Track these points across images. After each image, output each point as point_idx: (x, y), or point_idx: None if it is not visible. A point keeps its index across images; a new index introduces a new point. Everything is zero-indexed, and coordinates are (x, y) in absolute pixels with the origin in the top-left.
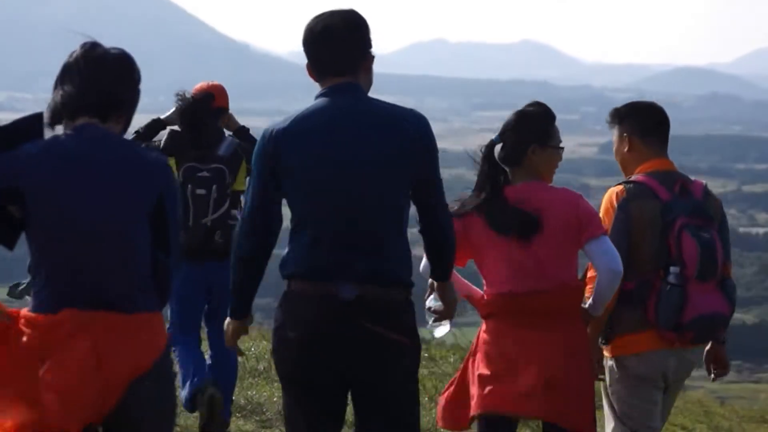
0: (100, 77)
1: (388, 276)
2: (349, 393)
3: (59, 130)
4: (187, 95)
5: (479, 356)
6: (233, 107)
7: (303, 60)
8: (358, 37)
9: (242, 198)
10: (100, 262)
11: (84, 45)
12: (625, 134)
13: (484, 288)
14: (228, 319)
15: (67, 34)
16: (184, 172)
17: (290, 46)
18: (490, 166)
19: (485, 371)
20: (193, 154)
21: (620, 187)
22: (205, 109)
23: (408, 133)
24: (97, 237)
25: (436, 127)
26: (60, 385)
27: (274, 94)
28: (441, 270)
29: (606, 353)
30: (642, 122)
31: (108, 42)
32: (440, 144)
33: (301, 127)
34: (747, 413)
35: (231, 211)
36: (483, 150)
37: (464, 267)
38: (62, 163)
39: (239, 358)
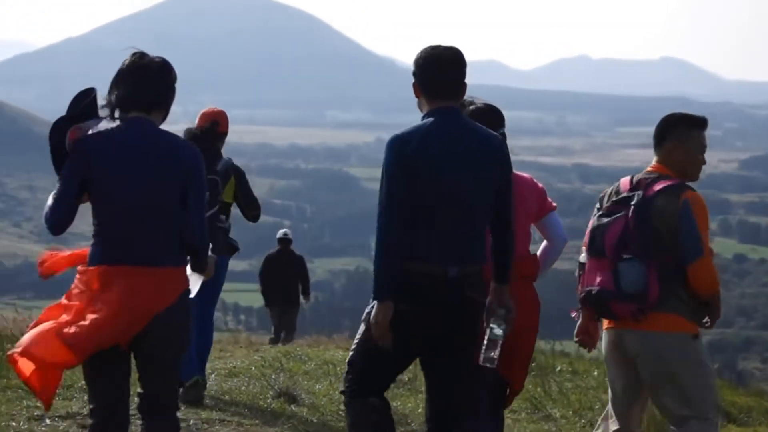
0: (146, 80)
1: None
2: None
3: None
4: (203, 128)
5: None
6: (379, 121)
7: None
8: (465, 70)
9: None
10: (142, 229)
11: (134, 54)
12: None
13: None
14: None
15: (216, 50)
16: None
17: None
18: None
19: None
20: None
21: (694, 193)
22: (211, 134)
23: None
24: (143, 209)
25: (578, 143)
26: (98, 316)
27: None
28: (499, 273)
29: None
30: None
31: (255, 56)
32: (582, 159)
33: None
34: None
35: (219, 215)
36: None
37: None
38: (118, 152)
39: None
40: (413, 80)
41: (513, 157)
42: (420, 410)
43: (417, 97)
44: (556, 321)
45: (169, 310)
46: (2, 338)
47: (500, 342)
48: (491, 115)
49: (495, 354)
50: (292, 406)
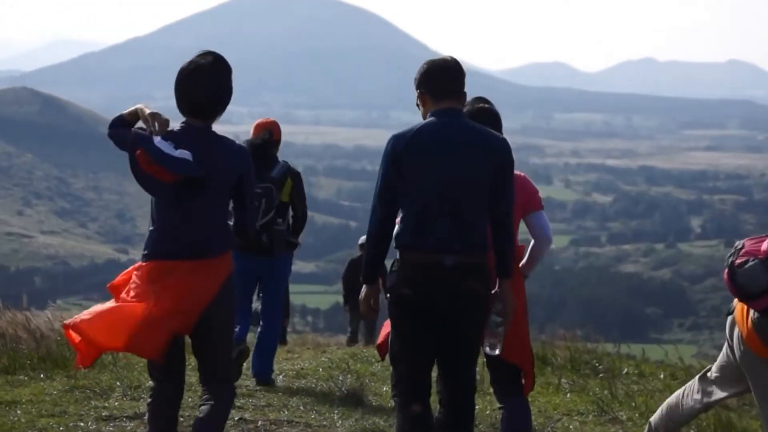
0: (197, 88)
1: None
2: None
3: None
4: (262, 137)
5: None
6: None
7: (514, 78)
8: (463, 77)
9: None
10: (195, 224)
11: (185, 66)
12: None
13: None
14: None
15: (281, 49)
16: None
17: (500, 64)
18: None
19: None
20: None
21: None
22: (266, 143)
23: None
24: (194, 207)
25: (644, 145)
26: (157, 308)
27: None
28: (497, 267)
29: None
30: None
31: (320, 56)
32: (649, 162)
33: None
34: None
35: (277, 219)
36: None
37: None
38: (184, 165)
39: None
40: (417, 92)
41: (579, 160)
42: (488, 412)
43: (422, 106)
44: (621, 324)
45: (220, 296)
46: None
47: (498, 332)
48: (485, 116)
49: (496, 341)
50: (359, 407)
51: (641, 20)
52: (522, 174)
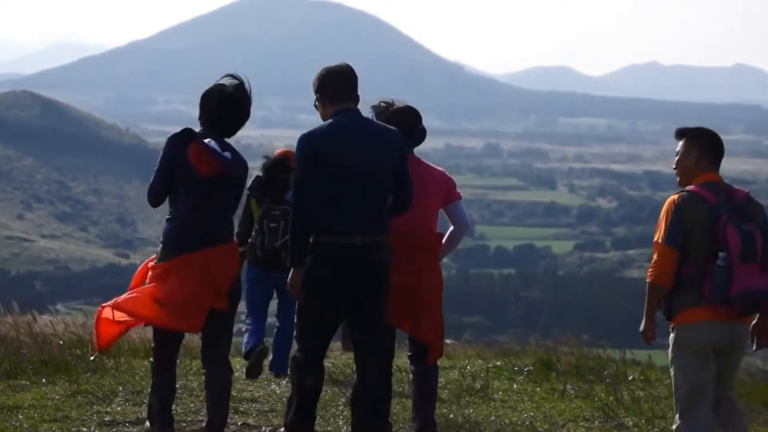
0: (228, 109)
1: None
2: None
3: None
4: (271, 156)
5: None
6: (448, 127)
7: (517, 82)
8: (356, 81)
9: None
10: (213, 216)
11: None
12: (691, 150)
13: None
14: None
15: (282, 53)
16: (263, 210)
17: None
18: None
19: None
20: (269, 197)
21: (676, 195)
22: (281, 167)
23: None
24: (214, 201)
25: (649, 150)
26: (184, 290)
27: (489, 115)
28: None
29: (670, 325)
30: (707, 145)
31: (322, 60)
32: (653, 167)
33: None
34: None
35: None
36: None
37: None
38: (229, 161)
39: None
40: (315, 97)
41: (583, 165)
42: (492, 418)
43: (321, 108)
44: (626, 329)
45: (236, 276)
46: (71, 342)
47: None
48: (408, 114)
49: None
50: None
51: (646, 24)
52: (441, 169)
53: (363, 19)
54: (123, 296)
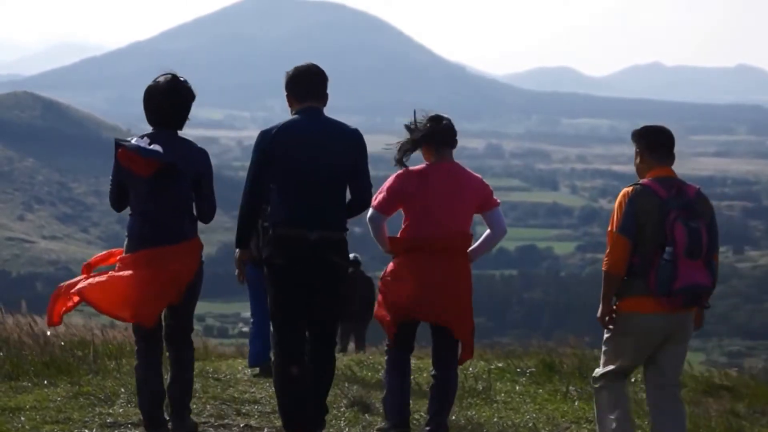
0: (162, 105)
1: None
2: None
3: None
4: None
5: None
6: None
7: (519, 83)
8: (326, 81)
9: None
10: (168, 211)
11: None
12: (637, 150)
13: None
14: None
15: (282, 53)
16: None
17: (505, 68)
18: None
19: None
20: None
21: (630, 187)
22: None
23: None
24: (166, 196)
25: None
26: (156, 284)
27: (490, 116)
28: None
29: (616, 310)
30: (650, 141)
31: (323, 60)
32: None
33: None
34: None
35: None
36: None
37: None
38: (161, 154)
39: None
40: (286, 94)
41: (585, 165)
42: (495, 419)
43: (290, 106)
44: None
45: (197, 273)
46: (73, 344)
47: None
48: (450, 130)
49: None
50: (365, 414)
51: (648, 24)
52: (478, 176)
53: (363, 19)
54: (86, 283)
